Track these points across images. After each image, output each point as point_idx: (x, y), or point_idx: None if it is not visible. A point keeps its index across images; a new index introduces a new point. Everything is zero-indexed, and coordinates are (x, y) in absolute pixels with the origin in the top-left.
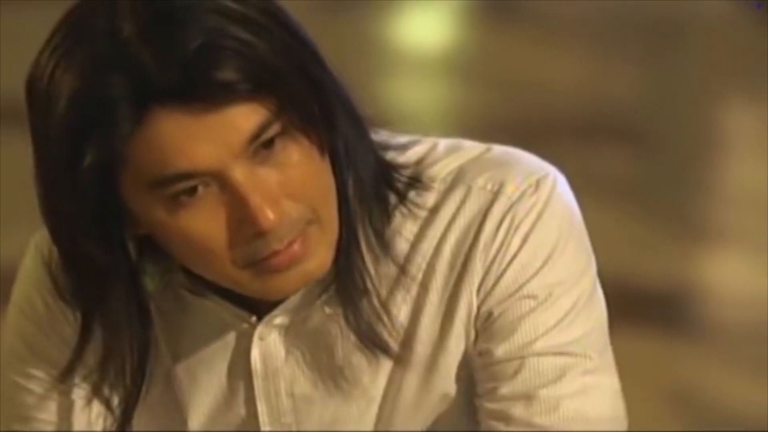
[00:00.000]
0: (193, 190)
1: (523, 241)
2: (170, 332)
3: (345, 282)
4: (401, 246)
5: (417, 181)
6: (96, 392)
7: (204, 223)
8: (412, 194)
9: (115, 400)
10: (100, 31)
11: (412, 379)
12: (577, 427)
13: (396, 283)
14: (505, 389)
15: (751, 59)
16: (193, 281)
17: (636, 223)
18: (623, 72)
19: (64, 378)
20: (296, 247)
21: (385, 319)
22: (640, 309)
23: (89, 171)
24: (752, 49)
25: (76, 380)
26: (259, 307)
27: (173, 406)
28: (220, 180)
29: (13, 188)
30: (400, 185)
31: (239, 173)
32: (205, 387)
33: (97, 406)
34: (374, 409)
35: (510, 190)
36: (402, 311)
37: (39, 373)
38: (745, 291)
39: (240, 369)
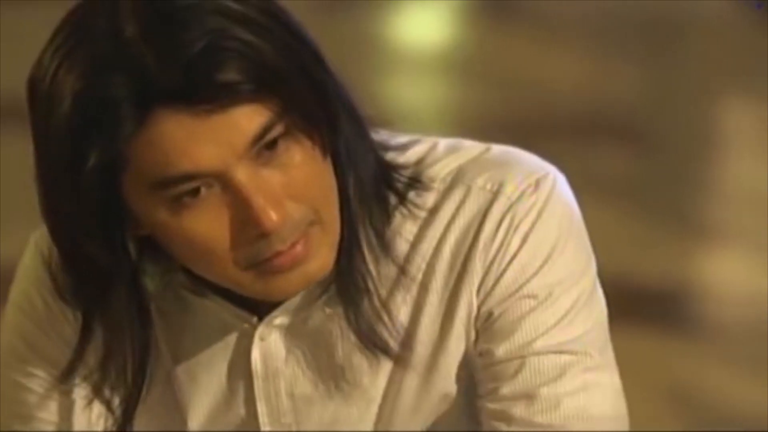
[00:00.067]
0: (195, 192)
1: (523, 240)
2: (171, 332)
3: (346, 282)
4: (401, 246)
5: (417, 182)
6: (97, 392)
7: (206, 224)
8: (411, 195)
9: (116, 401)
10: (103, 32)
11: (412, 380)
12: (578, 425)
13: (396, 284)
14: (506, 389)
15: (751, 59)
16: (194, 281)
17: (635, 222)
18: (623, 71)
19: (64, 378)
20: (299, 248)
21: (386, 319)
22: (639, 308)
23: (91, 172)
24: (752, 49)
25: (77, 380)
26: (260, 308)
27: (173, 406)
28: (223, 181)
29: (13, 187)
30: (400, 185)
31: (242, 174)
32: (205, 387)
33: (97, 407)
34: (374, 410)
35: (509, 190)
36: (402, 312)
37: (39, 372)
38: (744, 290)
39: (240, 369)
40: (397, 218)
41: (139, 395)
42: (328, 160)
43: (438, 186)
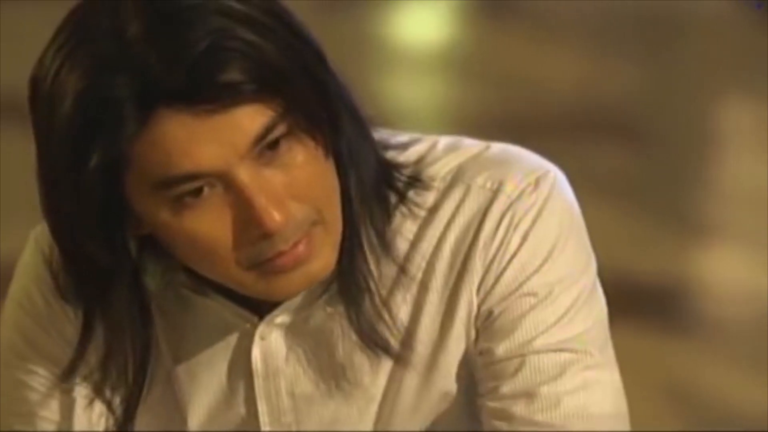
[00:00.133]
0: (198, 192)
1: (523, 239)
2: (171, 332)
3: (348, 282)
4: (401, 246)
5: (417, 181)
6: (98, 392)
7: (209, 224)
8: (411, 194)
9: (117, 400)
10: (105, 31)
11: (412, 379)
12: (578, 424)
13: (396, 283)
14: (506, 388)
15: (748, 57)
16: (195, 280)
17: (634, 221)
18: (621, 70)
19: (66, 377)
20: (301, 248)
21: (387, 318)
22: (637, 305)
23: (93, 172)
24: (749, 47)
25: (78, 379)
26: (261, 307)
27: (173, 405)
28: (226, 181)
29: (13, 184)
30: (400, 185)
31: (244, 174)
32: (205, 386)
33: (98, 406)
34: (374, 409)
35: (509, 189)
36: (402, 311)
37: (40, 370)
38: (742, 287)
39: (240, 368)
40: (398, 217)
41: (140, 395)
42: (330, 160)
43: (438, 185)
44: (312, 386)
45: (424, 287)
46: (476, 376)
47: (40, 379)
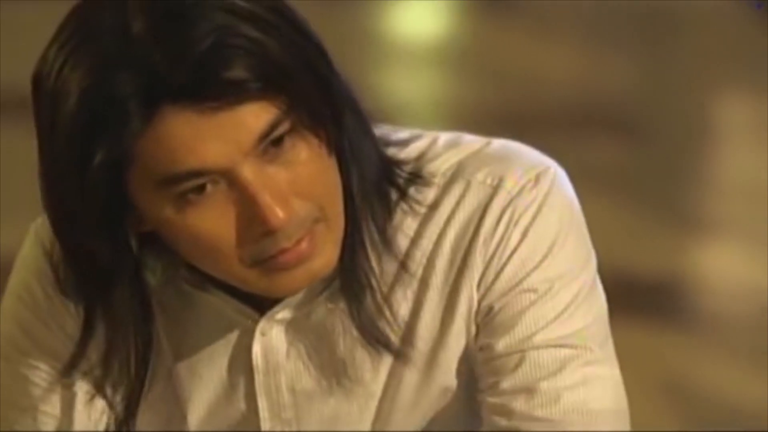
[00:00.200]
0: (201, 189)
1: (523, 235)
2: (172, 328)
3: (349, 278)
4: (402, 242)
5: (417, 177)
6: (99, 388)
7: (212, 221)
8: (412, 190)
9: (118, 397)
10: (109, 28)
11: (412, 375)
12: (578, 419)
13: (397, 279)
14: (506, 383)
15: (745, 53)
16: (197, 276)
17: (630, 215)
18: (618, 65)
19: (67, 372)
20: (304, 245)
21: (387, 314)
22: (634, 300)
23: (97, 169)
24: (746, 43)
25: (79, 374)
26: (262, 303)
27: (174, 402)
28: (229, 178)
29: (13, 178)
30: (401, 181)
31: (248, 171)
32: (205, 382)
33: (100, 403)
34: (374, 405)
35: (509, 185)
36: (403, 307)
37: (41, 364)
38: (739, 282)
39: (241, 364)
40: (398, 214)
41: (141, 391)
42: (333, 156)
43: (438, 181)
44: (313, 382)
45: (424, 283)
46: (476, 371)
47: (40, 373)
